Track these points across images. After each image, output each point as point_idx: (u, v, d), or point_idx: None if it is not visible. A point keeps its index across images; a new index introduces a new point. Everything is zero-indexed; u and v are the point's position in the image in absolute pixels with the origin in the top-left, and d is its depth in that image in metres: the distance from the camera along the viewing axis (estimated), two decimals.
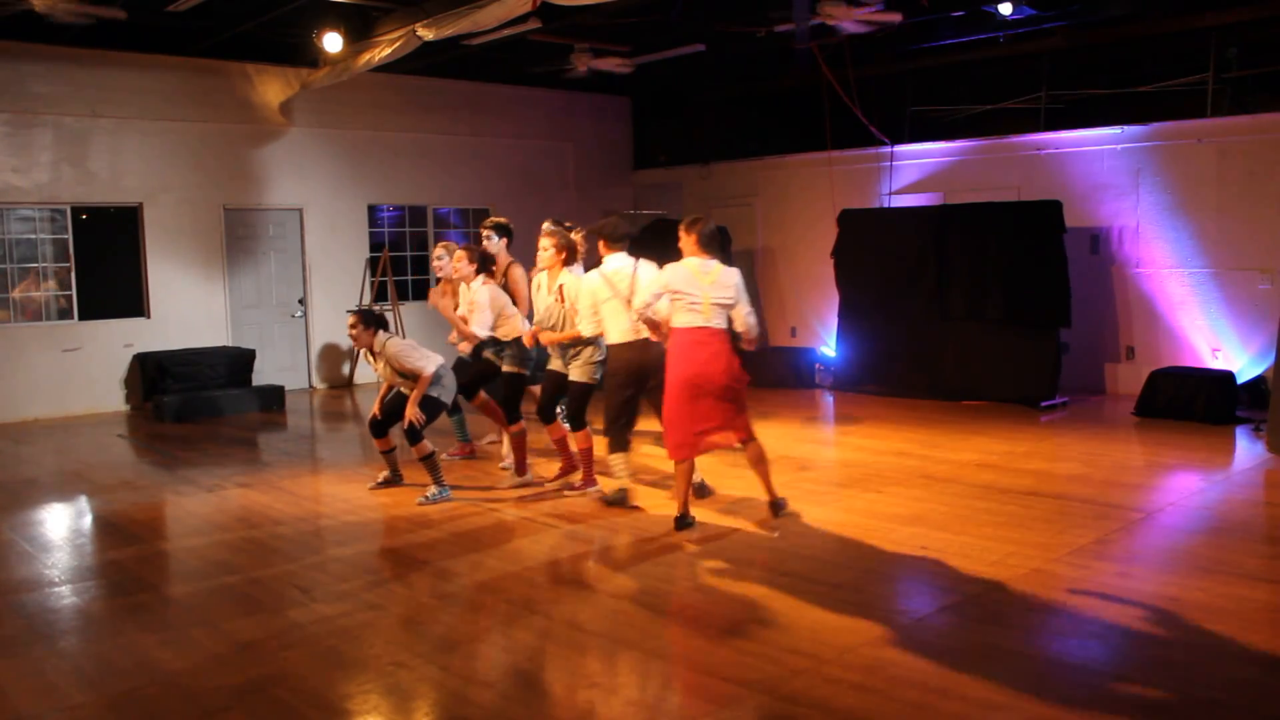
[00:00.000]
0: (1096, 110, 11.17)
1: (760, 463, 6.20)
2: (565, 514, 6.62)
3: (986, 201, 11.10)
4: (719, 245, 6.17)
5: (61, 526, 6.67)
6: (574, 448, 6.98)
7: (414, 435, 6.84)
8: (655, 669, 4.24)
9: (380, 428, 7.14)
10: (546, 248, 6.76)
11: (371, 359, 6.93)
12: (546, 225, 6.85)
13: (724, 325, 5.94)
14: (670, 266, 5.97)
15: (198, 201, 11.91)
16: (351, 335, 6.88)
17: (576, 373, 6.74)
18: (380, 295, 12.99)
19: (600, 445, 6.76)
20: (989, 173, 11.79)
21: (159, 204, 11.68)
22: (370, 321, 6.85)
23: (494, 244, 7.87)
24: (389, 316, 12.13)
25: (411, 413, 6.72)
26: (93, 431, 10.24)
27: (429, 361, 6.79)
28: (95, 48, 10.87)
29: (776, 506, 6.31)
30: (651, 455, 7.87)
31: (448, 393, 7.01)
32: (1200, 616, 4.61)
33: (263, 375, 12.04)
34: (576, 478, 7.08)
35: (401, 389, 6.98)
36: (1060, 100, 11.47)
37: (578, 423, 6.81)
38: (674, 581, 5.24)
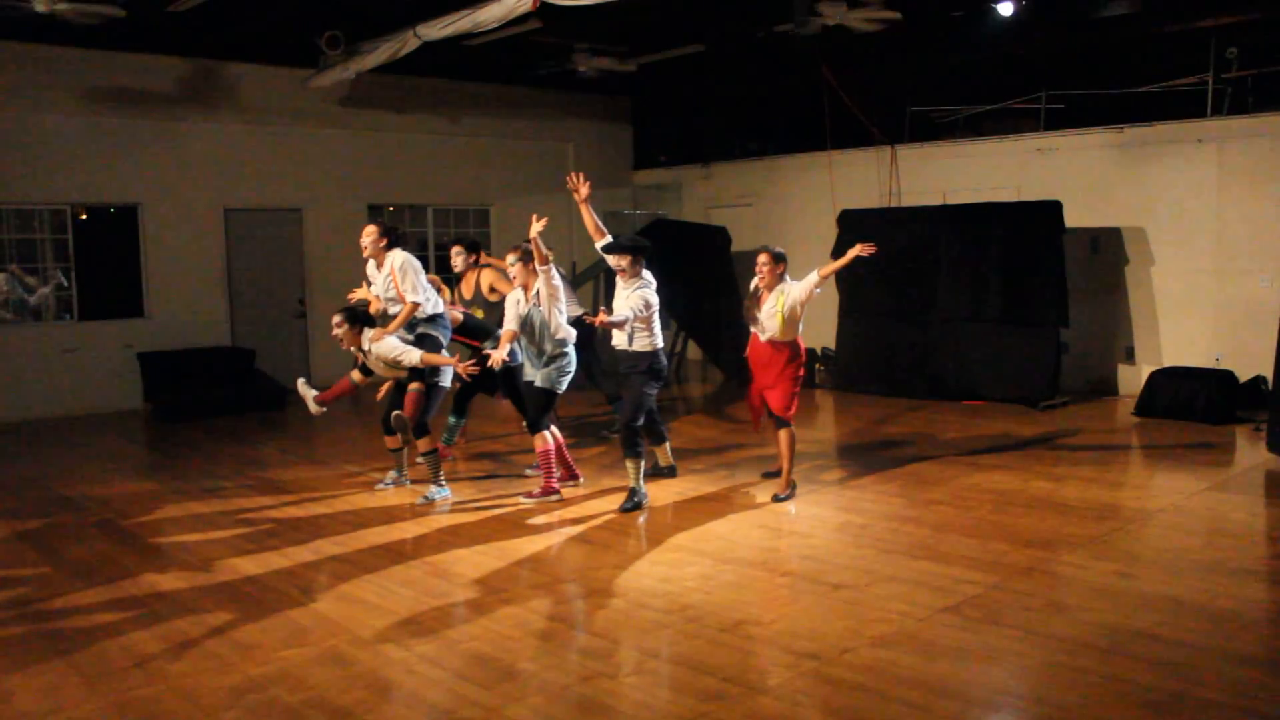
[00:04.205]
0: (1096, 110, 11.17)
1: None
2: (564, 514, 6.63)
3: (986, 201, 11.10)
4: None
5: (61, 527, 6.66)
6: (537, 448, 6.96)
7: (420, 428, 6.84)
8: (655, 668, 4.24)
9: (392, 425, 7.14)
10: (513, 263, 6.80)
11: (362, 356, 6.89)
12: (510, 257, 6.85)
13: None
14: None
15: (198, 201, 11.90)
16: (337, 335, 6.79)
17: (542, 377, 6.77)
18: None
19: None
20: (989, 173, 11.79)
21: (159, 204, 11.68)
22: (356, 319, 6.77)
23: (461, 260, 8.02)
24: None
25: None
26: (93, 432, 10.24)
27: (414, 351, 6.71)
28: (95, 48, 10.87)
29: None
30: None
31: (446, 377, 6.99)
32: (1200, 616, 4.61)
33: (263, 375, 12.02)
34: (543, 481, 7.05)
35: (400, 379, 6.98)
36: (1060, 100, 11.47)
37: (537, 427, 6.87)
38: (673, 581, 5.24)
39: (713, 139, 14.91)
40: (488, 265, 8.36)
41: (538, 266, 6.58)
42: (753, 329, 6.84)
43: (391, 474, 7.50)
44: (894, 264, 11.09)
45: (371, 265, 7.11)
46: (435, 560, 5.70)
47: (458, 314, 7.59)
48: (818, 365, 12.14)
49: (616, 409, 8.17)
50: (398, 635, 4.59)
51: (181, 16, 9.75)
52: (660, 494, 7.02)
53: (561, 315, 6.74)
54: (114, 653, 4.47)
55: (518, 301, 6.75)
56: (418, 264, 7.00)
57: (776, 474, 7.07)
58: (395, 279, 6.89)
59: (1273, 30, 10.01)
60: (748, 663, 4.25)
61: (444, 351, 6.99)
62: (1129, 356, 10.85)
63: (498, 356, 6.54)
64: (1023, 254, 10.41)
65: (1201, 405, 9.23)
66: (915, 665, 4.13)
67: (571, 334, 6.83)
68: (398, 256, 6.92)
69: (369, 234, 7.00)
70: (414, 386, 6.87)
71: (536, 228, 6.46)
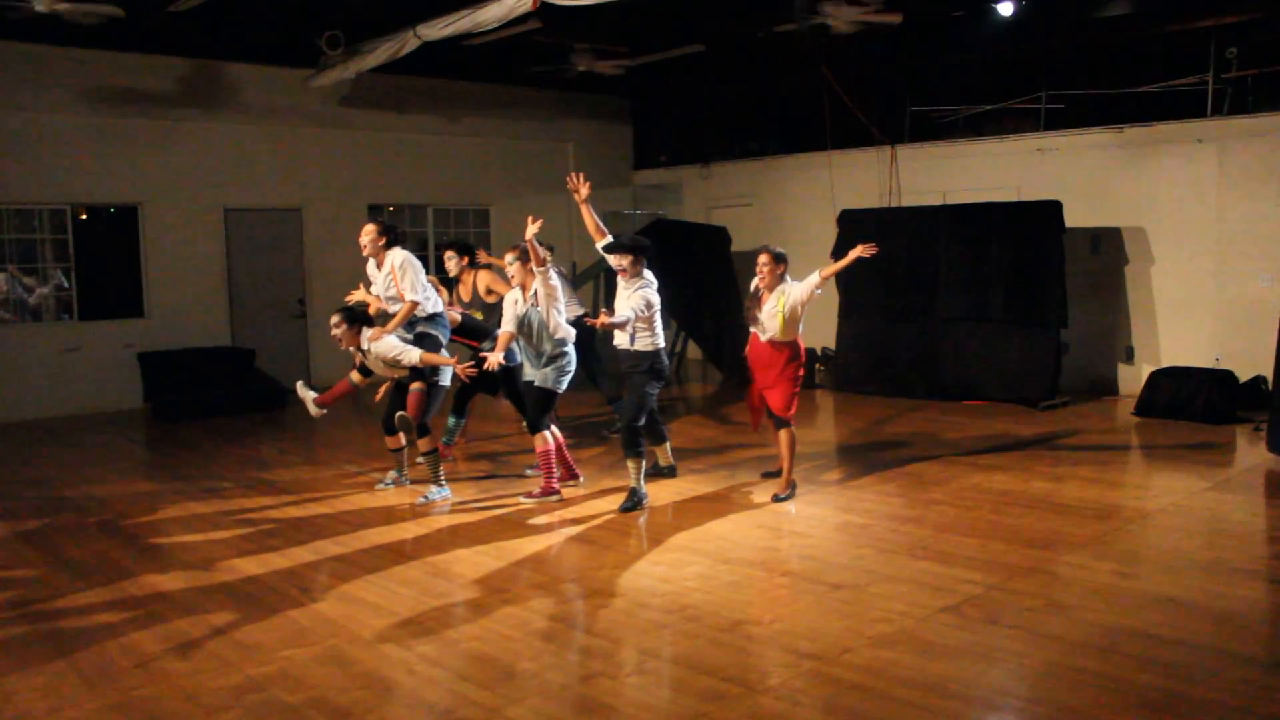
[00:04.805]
0: (1096, 110, 11.18)
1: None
2: (564, 514, 6.62)
3: (986, 201, 11.10)
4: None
5: (61, 527, 6.66)
6: (537, 449, 6.95)
7: (420, 429, 6.85)
8: (655, 668, 4.24)
9: (392, 426, 7.14)
10: (511, 263, 6.78)
11: (361, 356, 6.89)
12: (509, 256, 6.85)
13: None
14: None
15: (198, 201, 11.90)
16: (336, 335, 6.77)
17: (541, 377, 6.76)
18: None
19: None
20: (989, 173, 11.79)
21: (159, 204, 11.68)
22: (354, 319, 6.76)
23: (455, 264, 8.07)
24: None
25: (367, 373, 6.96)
26: (92, 432, 10.23)
27: (413, 350, 6.72)
28: (95, 48, 10.87)
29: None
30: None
31: (446, 376, 6.98)
32: (1200, 616, 4.61)
33: (263, 375, 12.02)
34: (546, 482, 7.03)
35: (399, 379, 6.99)
36: (1060, 100, 11.47)
37: (537, 427, 6.86)
38: (673, 581, 5.24)
39: (713, 139, 14.91)
40: (486, 266, 8.36)
41: (534, 268, 6.59)
42: (753, 329, 6.84)
43: (392, 474, 7.50)
44: (894, 264, 11.11)
45: (372, 264, 7.12)
46: (435, 560, 5.70)
47: (456, 315, 7.59)
48: (818, 365, 12.14)
49: (616, 409, 8.17)
50: (398, 635, 4.59)
51: (181, 16, 9.75)
52: (660, 494, 7.02)
53: (560, 315, 6.73)
54: (114, 653, 4.47)
55: (515, 302, 6.75)
56: (418, 263, 7.00)
57: (776, 474, 7.07)
58: (395, 277, 6.89)
59: (1273, 30, 10.01)
60: (748, 663, 4.25)
61: (443, 351, 6.99)
62: (1129, 356, 10.85)
63: (493, 359, 6.54)
64: (1023, 254, 10.40)
65: (1201, 405, 9.22)
66: (915, 665, 4.13)
67: (571, 333, 6.82)
68: (398, 255, 6.93)
69: (368, 233, 7.01)
70: (415, 386, 6.86)
71: (532, 229, 6.46)
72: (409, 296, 6.85)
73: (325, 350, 12.74)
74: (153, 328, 11.67)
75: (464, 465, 8.18)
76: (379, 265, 7.03)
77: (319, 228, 12.80)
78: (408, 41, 9.96)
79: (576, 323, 7.26)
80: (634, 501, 6.65)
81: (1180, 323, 10.46)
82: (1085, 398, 10.64)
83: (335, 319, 6.76)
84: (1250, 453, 8.12)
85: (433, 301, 7.07)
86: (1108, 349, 10.97)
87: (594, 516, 6.54)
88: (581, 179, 6.72)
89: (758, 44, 11.55)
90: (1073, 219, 10.44)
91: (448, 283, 8.32)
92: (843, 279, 11.48)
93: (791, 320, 6.64)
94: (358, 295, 7.25)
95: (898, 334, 11.28)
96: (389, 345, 6.68)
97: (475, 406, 8.52)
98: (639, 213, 15.30)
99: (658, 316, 6.66)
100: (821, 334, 11.89)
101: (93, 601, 5.16)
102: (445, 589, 5.24)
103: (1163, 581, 5.11)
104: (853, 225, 11.69)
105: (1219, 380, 9.40)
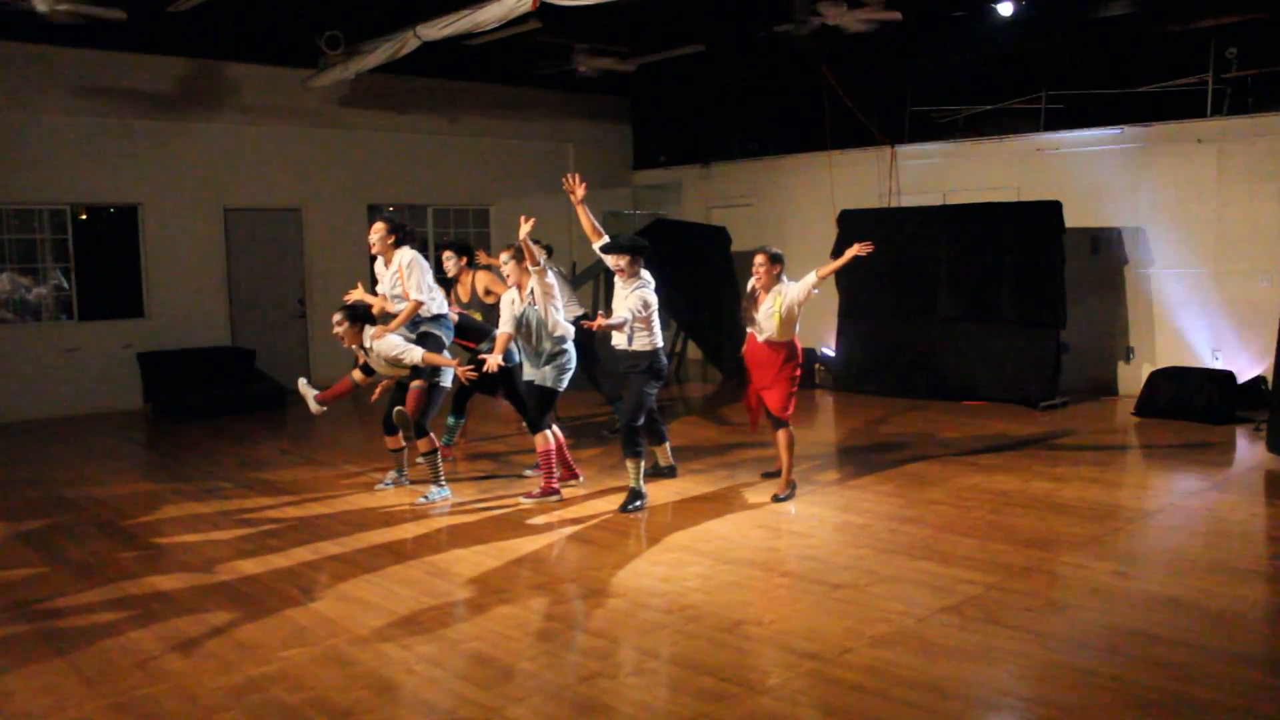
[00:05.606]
0: (1096, 110, 11.18)
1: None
2: (564, 514, 6.62)
3: (986, 201, 11.10)
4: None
5: (61, 527, 6.66)
6: (538, 448, 6.95)
7: (419, 429, 6.84)
8: (655, 668, 4.24)
9: (392, 425, 7.14)
10: (506, 261, 6.79)
11: (363, 354, 6.89)
12: (504, 255, 6.84)
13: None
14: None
15: (198, 201, 11.90)
16: (338, 333, 6.78)
17: (541, 377, 6.76)
18: None
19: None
20: (989, 173, 11.78)
21: (159, 204, 11.68)
22: (357, 317, 6.77)
23: (454, 264, 8.07)
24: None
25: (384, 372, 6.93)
26: (92, 432, 10.23)
27: (416, 350, 6.72)
28: (95, 48, 10.87)
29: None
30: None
31: (447, 377, 6.99)
32: (1200, 616, 4.61)
33: (263, 375, 12.02)
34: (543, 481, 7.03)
35: (400, 378, 6.99)
36: (1060, 100, 11.47)
37: (538, 426, 6.86)
38: (673, 581, 5.24)
39: (713, 139, 14.91)
40: (485, 267, 8.36)
41: (530, 268, 6.59)
42: (749, 329, 6.84)
43: (391, 474, 7.51)
44: (894, 264, 11.10)
45: (380, 263, 7.13)
46: (435, 560, 5.70)
47: (454, 316, 7.60)
48: (817, 365, 12.14)
49: (616, 409, 8.16)
50: (398, 635, 4.59)
51: (181, 16, 9.74)
52: (660, 494, 7.02)
53: (558, 313, 6.74)
54: (114, 653, 4.47)
55: (512, 302, 6.75)
56: (425, 263, 7.01)
57: (776, 474, 7.07)
58: (402, 275, 6.91)
59: (1273, 30, 10.01)
60: (747, 663, 4.25)
61: (445, 352, 7.00)
62: (1129, 356, 10.85)
63: (493, 362, 6.54)
64: (1022, 254, 10.40)
65: (1201, 405, 9.23)
66: (915, 665, 4.13)
67: (570, 330, 6.83)
68: (406, 254, 6.95)
69: (377, 231, 7.03)
70: (416, 384, 6.87)
71: (525, 230, 6.46)
72: (414, 296, 6.86)
73: (326, 350, 12.75)
74: (153, 328, 11.66)
75: (464, 465, 8.18)
76: (387, 263, 7.04)
77: (319, 228, 12.80)
78: (408, 41, 9.96)
79: (575, 324, 7.26)
80: (634, 502, 6.65)
81: (1180, 323, 10.46)
82: (1085, 398, 10.64)
83: (337, 317, 6.77)
84: (1250, 453, 8.12)
85: (437, 302, 7.08)
86: (1108, 349, 10.97)
87: (594, 516, 6.55)
88: (577, 180, 6.72)
89: (758, 44, 11.55)
90: (1073, 219, 10.44)
91: (446, 283, 8.32)
92: (843, 279, 11.48)
93: (788, 320, 6.64)
94: (356, 294, 7.25)
95: (898, 334, 11.28)
96: (391, 344, 6.68)
97: (475, 406, 8.52)
98: (639, 213, 15.30)
99: (655, 316, 6.66)
100: (821, 334, 11.90)
101: (93, 601, 5.16)
102: (445, 589, 5.24)
103: (1163, 581, 5.11)
104: (853, 225, 11.67)
105: (1219, 380, 9.40)
